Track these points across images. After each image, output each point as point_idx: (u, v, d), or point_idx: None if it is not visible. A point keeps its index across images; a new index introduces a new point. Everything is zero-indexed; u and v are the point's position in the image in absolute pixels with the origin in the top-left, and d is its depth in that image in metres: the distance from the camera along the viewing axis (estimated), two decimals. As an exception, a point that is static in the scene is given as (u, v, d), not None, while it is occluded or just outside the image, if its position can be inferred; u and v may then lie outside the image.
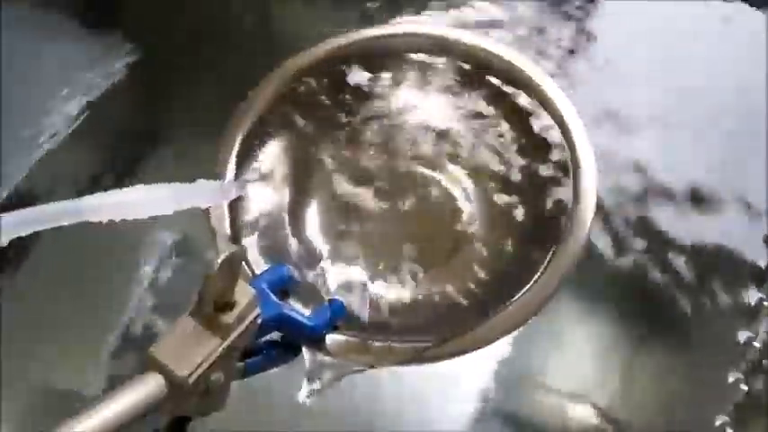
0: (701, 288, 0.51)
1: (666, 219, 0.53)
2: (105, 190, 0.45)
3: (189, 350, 0.39)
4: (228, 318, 0.40)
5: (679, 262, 0.52)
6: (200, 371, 0.39)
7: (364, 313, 0.50)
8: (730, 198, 0.54)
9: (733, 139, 0.56)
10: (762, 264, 0.51)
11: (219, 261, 0.39)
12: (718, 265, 0.51)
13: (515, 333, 0.49)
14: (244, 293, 0.41)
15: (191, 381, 0.39)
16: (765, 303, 0.50)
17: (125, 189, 0.46)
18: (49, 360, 0.50)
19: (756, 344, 0.48)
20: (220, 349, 0.40)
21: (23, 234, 0.42)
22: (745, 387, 0.47)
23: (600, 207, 0.54)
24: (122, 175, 0.58)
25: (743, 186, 0.54)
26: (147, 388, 0.38)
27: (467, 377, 0.48)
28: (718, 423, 0.46)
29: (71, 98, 0.61)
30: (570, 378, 0.49)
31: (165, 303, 0.51)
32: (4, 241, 0.42)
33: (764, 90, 0.57)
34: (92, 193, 0.45)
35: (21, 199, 0.56)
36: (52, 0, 0.67)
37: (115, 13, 0.67)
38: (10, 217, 0.42)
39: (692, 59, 0.60)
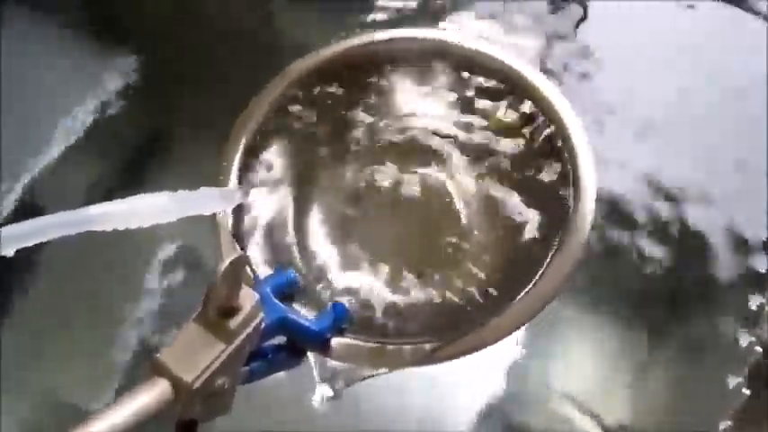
0: (702, 291, 0.51)
1: (667, 221, 0.54)
2: (109, 199, 0.45)
3: (194, 355, 0.39)
4: (233, 323, 0.41)
5: (679, 265, 0.52)
6: (205, 375, 0.39)
7: (367, 316, 0.50)
8: (730, 200, 0.54)
9: (732, 140, 0.57)
10: (762, 268, 0.51)
11: (223, 267, 0.39)
12: (719, 268, 0.52)
13: (517, 334, 0.50)
14: (248, 298, 0.41)
15: (196, 385, 0.39)
16: (767, 308, 0.50)
17: (129, 198, 0.46)
18: (53, 372, 0.51)
19: (758, 348, 0.48)
20: (225, 354, 0.40)
21: (28, 244, 0.43)
22: (747, 391, 0.47)
23: (600, 209, 0.54)
24: (126, 184, 0.58)
25: (743, 189, 0.54)
26: (153, 393, 0.38)
27: (469, 379, 0.49)
28: (721, 428, 0.46)
29: (75, 108, 0.61)
30: (571, 380, 0.49)
31: (170, 310, 0.51)
32: (10, 252, 0.42)
33: (765, 90, 0.58)
34: (96, 202, 0.45)
35: (26, 209, 0.57)
36: (57, 11, 0.68)
37: (119, 24, 0.67)
38: (15, 227, 0.42)
39: (693, 60, 0.61)
